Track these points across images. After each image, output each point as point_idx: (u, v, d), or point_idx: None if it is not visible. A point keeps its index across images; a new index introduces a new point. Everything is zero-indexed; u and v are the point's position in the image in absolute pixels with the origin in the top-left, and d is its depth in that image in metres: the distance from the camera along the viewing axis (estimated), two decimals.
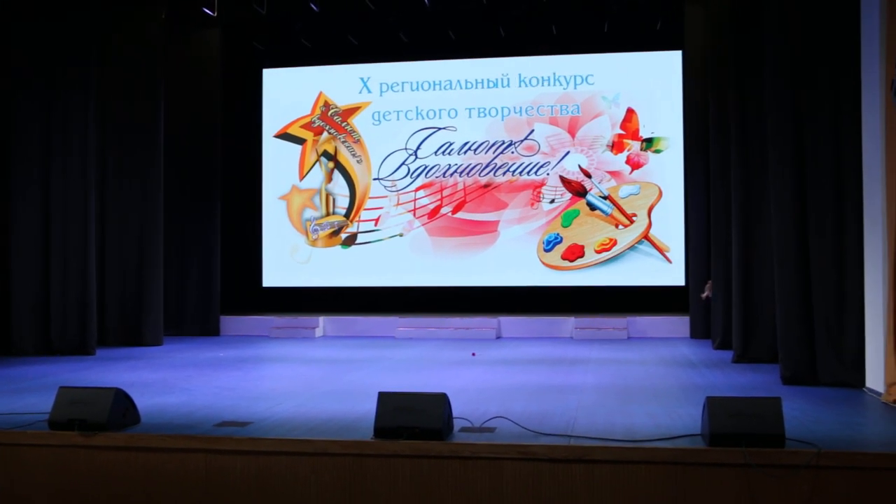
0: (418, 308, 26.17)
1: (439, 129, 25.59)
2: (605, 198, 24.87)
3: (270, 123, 26.67)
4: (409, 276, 26.22)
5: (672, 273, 24.82)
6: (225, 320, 25.93)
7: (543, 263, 25.49)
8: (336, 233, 26.43)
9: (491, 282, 25.78)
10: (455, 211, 25.83)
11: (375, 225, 26.24)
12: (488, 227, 25.58)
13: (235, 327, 25.88)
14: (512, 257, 25.56)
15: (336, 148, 26.13)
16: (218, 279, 25.61)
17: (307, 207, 26.60)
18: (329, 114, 26.12)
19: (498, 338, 23.67)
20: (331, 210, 26.35)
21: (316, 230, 26.46)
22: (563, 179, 25.16)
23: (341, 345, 22.03)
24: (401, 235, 26.16)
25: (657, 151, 24.69)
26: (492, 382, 15.08)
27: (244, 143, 26.50)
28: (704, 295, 19.48)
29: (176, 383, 15.05)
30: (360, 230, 26.25)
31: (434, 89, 25.66)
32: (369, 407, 12.37)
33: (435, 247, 25.99)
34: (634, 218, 24.87)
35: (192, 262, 25.44)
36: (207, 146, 25.36)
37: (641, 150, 24.76)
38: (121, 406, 11.27)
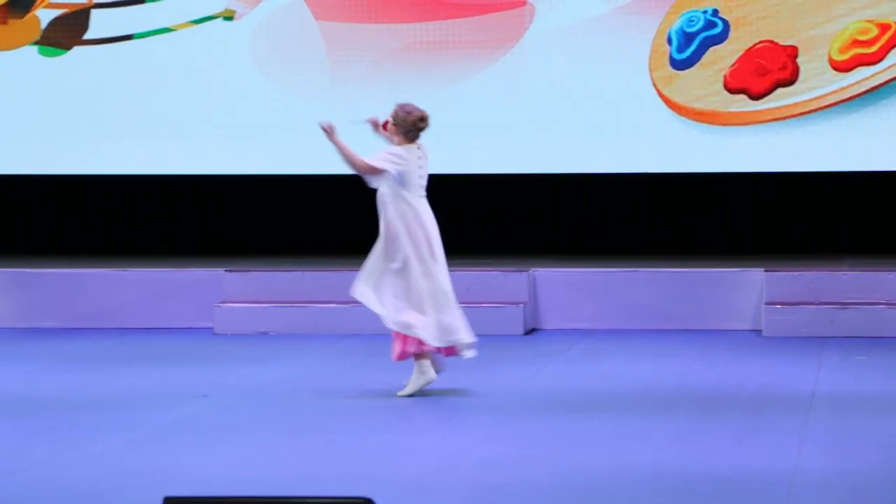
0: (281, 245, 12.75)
1: None
2: None
3: None
4: (257, 147, 12.21)
5: None
6: None
7: (667, 101, 12.11)
8: (23, 6, 12.28)
9: (506, 163, 12.28)
10: None
11: None
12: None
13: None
14: (569, 90, 12.22)
15: None
16: None
17: None
18: None
19: (532, 331, 11.43)
20: None
21: None
22: None
23: (38, 357, 10.57)
24: (229, 17, 12.12)
25: None
26: (519, 463, 6.96)
27: None
28: None
29: None
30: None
31: None
32: None
33: (337, 55, 12.32)
34: None
35: None
36: None
37: None
38: None
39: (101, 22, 12.23)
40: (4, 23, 12.28)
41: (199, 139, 12.28)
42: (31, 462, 6.88)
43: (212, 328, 11.18)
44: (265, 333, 11.12)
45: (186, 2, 12.15)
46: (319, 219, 12.52)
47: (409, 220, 8.55)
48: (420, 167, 8.71)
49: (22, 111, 12.32)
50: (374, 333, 11.06)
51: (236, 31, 12.17)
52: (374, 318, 11.24)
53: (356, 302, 11.09)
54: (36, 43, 12.21)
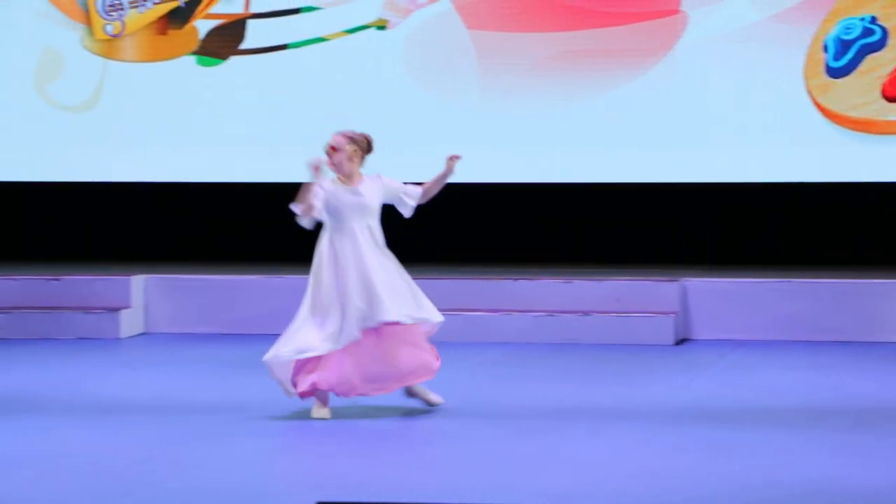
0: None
1: None
2: None
3: None
4: (407, 155, 11.65)
5: None
6: None
7: (823, 110, 12.00)
8: (182, 17, 12.52)
9: (657, 173, 12.20)
10: None
11: None
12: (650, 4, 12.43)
13: None
14: (722, 99, 12.18)
15: None
16: None
17: None
18: None
19: (682, 341, 11.33)
20: None
21: (118, 7, 12.51)
22: None
23: (195, 361, 10.82)
24: (381, 27, 12.34)
25: None
26: (670, 474, 6.77)
27: None
28: None
29: None
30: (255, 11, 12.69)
31: None
32: None
33: (488, 64, 12.37)
34: None
35: None
36: None
37: None
38: None
39: (257, 32, 12.40)
40: (164, 33, 12.52)
41: None
42: (185, 465, 6.98)
43: None
44: None
45: (340, 11, 12.27)
46: (467, 226, 12.54)
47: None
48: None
49: (180, 119, 12.55)
50: (523, 342, 11.14)
51: (389, 40, 12.25)
52: (523, 326, 11.33)
53: (506, 310, 11.19)
54: (194, 53, 12.44)
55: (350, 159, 8.21)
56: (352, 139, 8.24)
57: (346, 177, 8.19)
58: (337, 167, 8.19)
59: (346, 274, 8.09)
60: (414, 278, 11.40)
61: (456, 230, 12.48)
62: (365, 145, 8.33)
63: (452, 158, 8.64)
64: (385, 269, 8.24)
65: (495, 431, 7.89)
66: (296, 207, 8.16)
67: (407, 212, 8.52)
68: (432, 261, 12.37)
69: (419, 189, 8.53)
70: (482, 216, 12.46)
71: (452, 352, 11.18)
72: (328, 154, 8.22)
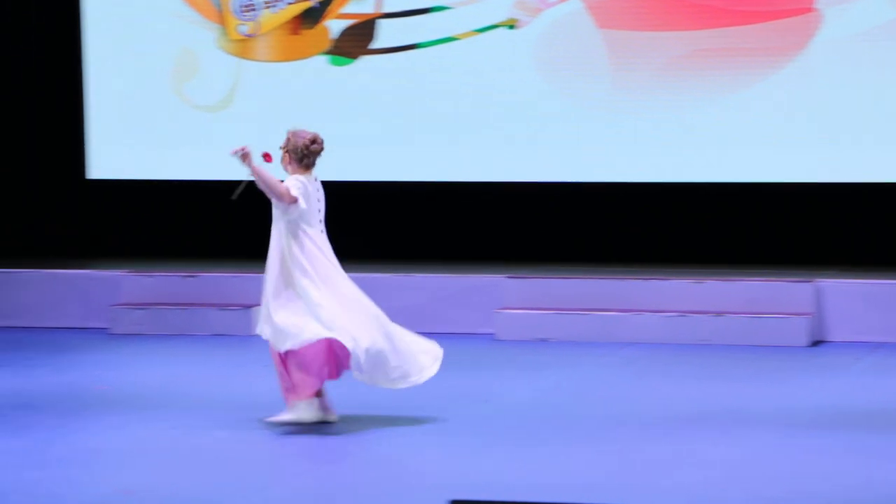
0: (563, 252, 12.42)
1: None
2: None
3: None
4: (538, 154, 12.22)
5: None
6: None
7: None
8: (314, 17, 12.48)
9: (788, 172, 11.97)
10: None
11: None
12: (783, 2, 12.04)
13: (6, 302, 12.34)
14: (856, 98, 11.76)
15: None
16: None
17: None
18: None
19: (817, 342, 11.03)
20: None
21: (252, 8, 12.47)
22: None
23: None
24: (510, 26, 12.19)
25: None
26: (804, 477, 6.81)
27: None
28: None
29: None
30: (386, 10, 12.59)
31: None
32: None
33: (618, 63, 12.16)
34: None
35: None
36: None
37: None
38: None
39: (387, 32, 12.46)
40: (297, 33, 12.64)
41: (481, 146, 12.38)
42: (320, 462, 7.08)
43: (493, 334, 11.21)
44: (545, 340, 11.16)
45: (470, 11, 12.26)
46: (599, 226, 12.50)
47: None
48: (318, 200, 7.98)
49: (312, 118, 12.62)
50: (654, 342, 11.08)
51: (519, 39, 12.22)
52: (654, 327, 11.26)
53: (638, 309, 11.12)
54: (326, 52, 12.55)
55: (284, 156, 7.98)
56: (286, 140, 7.97)
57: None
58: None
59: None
60: (546, 278, 11.50)
61: (588, 230, 12.41)
62: (293, 147, 7.96)
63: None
64: None
65: (627, 433, 7.82)
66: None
67: None
68: (566, 261, 12.30)
69: None
70: (613, 216, 12.38)
71: (583, 351, 11.24)
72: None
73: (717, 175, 12.38)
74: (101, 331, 11.52)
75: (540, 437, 7.69)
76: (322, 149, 8.00)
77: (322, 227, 7.93)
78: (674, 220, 12.35)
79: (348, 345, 7.49)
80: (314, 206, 7.89)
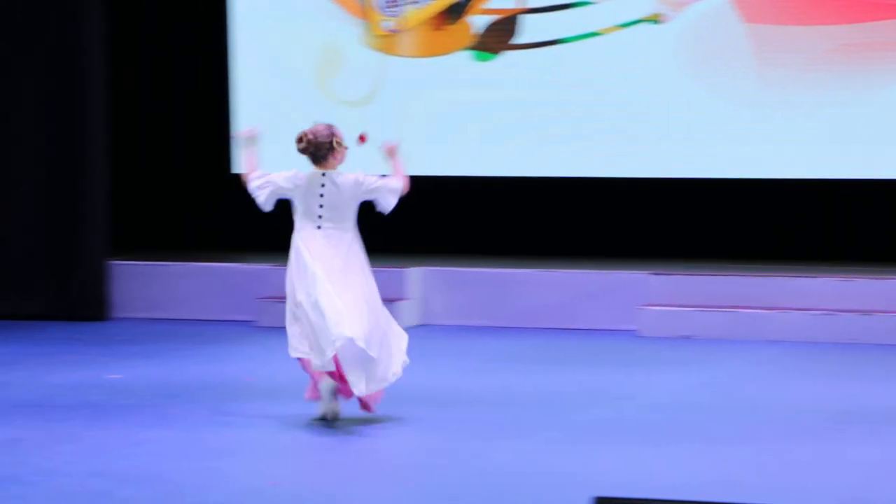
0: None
1: None
2: None
3: None
4: (682, 150, 12.19)
5: None
6: (122, 273, 12.39)
7: None
8: (457, 13, 12.51)
9: None
10: None
11: None
12: None
13: (150, 294, 12.35)
14: None
15: None
16: (102, 159, 12.21)
17: None
18: None
19: None
20: None
21: (396, 3, 12.56)
22: None
23: (469, 354, 10.80)
24: (654, 20, 12.08)
25: None
26: None
27: None
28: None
29: None
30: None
31: None
32: None
33: (765, 58, 12.03)
34: None
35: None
36: None
37: None
38: None
39: (530, 27, 12.44)
40: (440, 29, 12.70)
41: (624, 142, 12.30)
42: (466, 456, 7.07)
43: (635, 330, 11.15)
44: (688, 337, 11.05)
45: (614, 6, 12.19)
46: (744, 222, 12.39)
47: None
48: (321, 196, 7.66)
49: (454, 113, 12.70)
50: (800, 340, 10.92)
51: (663, 34, 12.13)
52: (801, 324, 11.12)
53: (784, 307, 10.99)
54: (469, 48, 12.59)
55: None
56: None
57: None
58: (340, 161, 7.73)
59: None
60: (690, 274, 11.40)
61: (733, 226, 12.31)
62: None
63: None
64: None
65: (771, 432, 7.71)
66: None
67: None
68: (710, 257, 12.19)
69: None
70: (758, 212, 12.26)
71: (728, 349, 11.14)
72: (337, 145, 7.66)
73: (862, 171, 12.20)
74: (247, 323, 11.70)
75: (683, 434, 7.59)
76: (305, 147, 7.62)
77: (320, 223, 7.69)
78: (821, 216, 12.18)
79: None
80: (308, 202, 7.68)
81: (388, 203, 7.77)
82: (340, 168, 7.70)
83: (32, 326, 11.68)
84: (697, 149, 12.20)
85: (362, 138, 7.73)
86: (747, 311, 11.03)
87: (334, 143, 7.62)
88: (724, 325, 11.03)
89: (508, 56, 12.51)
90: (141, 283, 12.35)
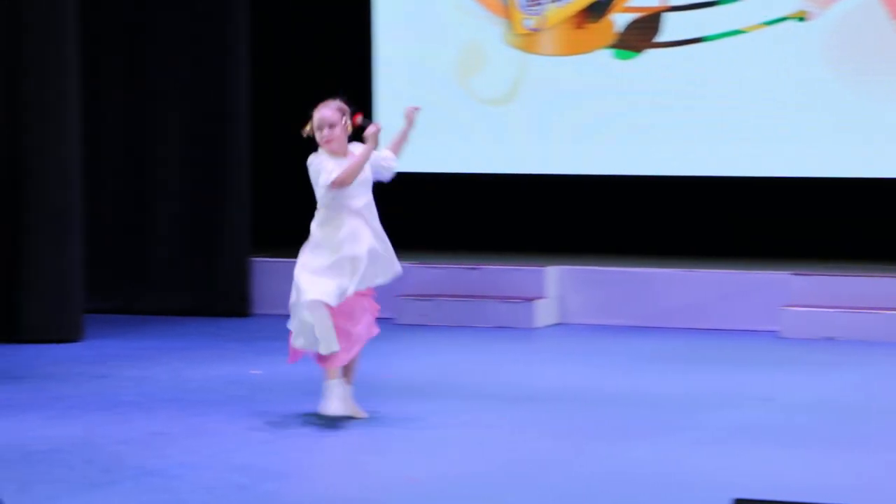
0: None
1: None
2: None
3: None
4: (828, 148, 12.11)
5: None
6: (264, 270, 12.38)
7: None
8: (599, 11, 12.45)
9: None
10: None
11: None
12: None
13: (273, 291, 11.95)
14: None
15: None
16: (245, 158, 12.31)
17: None
18: None
19: None
20: None
21: (538, 2, 12.52)
22: None
23: (608, 353, 10.72)
24: (800, 18, 11.90)
25: None
26: None
27: None
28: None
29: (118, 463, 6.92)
30: None
31: None
32: None
33: None
34: None
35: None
36: None
37: None
38: None
39: (673, 25, 12.36)
40: (581, 27, 12.65)
41: (769, 141, 12.17)
42: (602, 455, 7.05)
43: (777, 331, 11.02)
44: (831, 338, 10.87)
45: (759, 3, 12.05)
46: (886, 224, 12.16)
47: None
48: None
49: (595, 111, 12.65)
50: None
51: (809, 32, 11.96)
52: None
53: None
54: (611, 46, 12.53)
55: (345, 131, 7.93)
56: (342, 110, 7.93)
57: (342, 151, 7.88)
58: (339, 143, 7.89)
59: (361, 243, 7.96)
60: (833, 275, 11.22)
61: (878, 227, 12.11)
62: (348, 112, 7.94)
63: (413, 110, 7.96)
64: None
65: None
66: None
67: (388, 176, 8.05)
68: (852, 258, 11.98)
69: (390, 152, 8.02)
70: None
71: (872, 351, 10.84)
72: (330, 129, 7.90)
73: None
74: (386, 321, 11.73)
75: (826, 437, 7.48)
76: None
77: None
78: None
79: None
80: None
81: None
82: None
83: (174, 322, 11.85)
84: (842, 147, 12.01)
85: (355, 119, 7.84)
86: (891, 312, 10.85)
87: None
88: (868, 327, 10.83)
89: (651, 54, 12.43)
90: (282, 279, 12.35)
